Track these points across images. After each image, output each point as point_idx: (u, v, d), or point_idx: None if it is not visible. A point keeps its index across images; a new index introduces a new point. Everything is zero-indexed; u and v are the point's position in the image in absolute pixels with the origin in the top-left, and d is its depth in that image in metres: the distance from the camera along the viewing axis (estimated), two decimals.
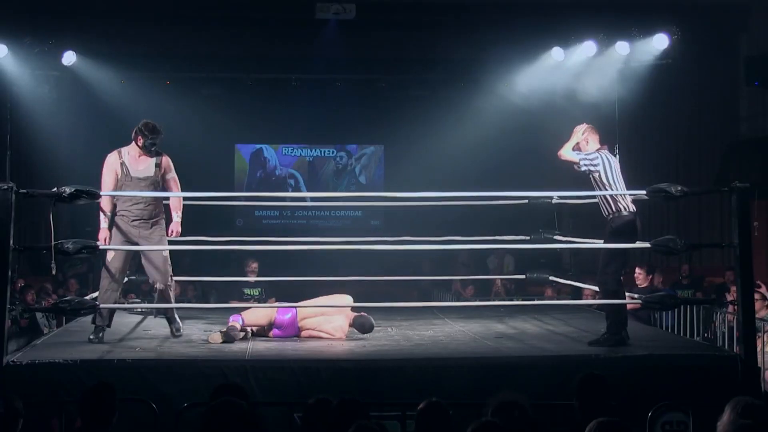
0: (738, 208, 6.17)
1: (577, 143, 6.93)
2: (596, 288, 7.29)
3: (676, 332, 8.68)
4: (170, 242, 7.80)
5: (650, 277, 9.64)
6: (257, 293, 9.81)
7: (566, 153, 6.79)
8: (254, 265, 9.83)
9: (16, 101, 10.75)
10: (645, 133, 13.36)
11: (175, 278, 10.08)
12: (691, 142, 13.52)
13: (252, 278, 9.64)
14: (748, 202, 6.19)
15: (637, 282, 9.28)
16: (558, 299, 10.12)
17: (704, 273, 12.37)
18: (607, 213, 6.77)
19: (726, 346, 7.49)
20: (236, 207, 14.20)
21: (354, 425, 3.46)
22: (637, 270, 9.34)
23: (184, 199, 8.06)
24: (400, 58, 12.50)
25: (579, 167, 6.75)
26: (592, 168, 6.70)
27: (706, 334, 8.78)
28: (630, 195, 6.79)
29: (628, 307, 8.05)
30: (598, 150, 6.84)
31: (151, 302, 7.75)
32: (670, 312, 8.81)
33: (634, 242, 6.76)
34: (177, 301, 9.92)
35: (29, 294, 9.60)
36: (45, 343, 6.71)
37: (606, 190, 6.71)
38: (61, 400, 5.32)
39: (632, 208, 6.74)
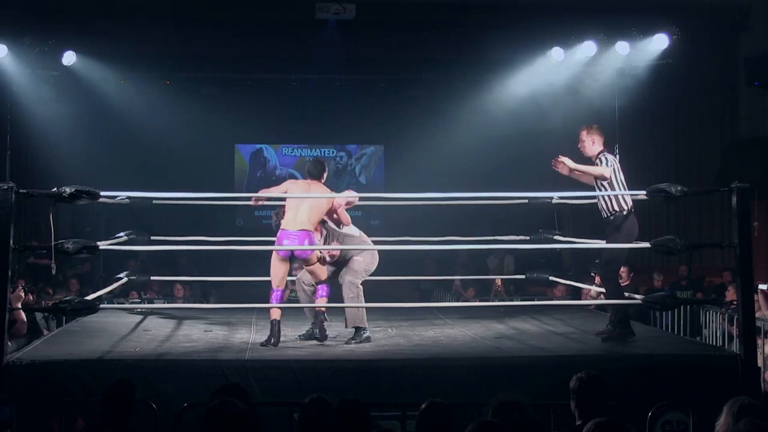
0: (738, 208, 6.17)
1: (582, 143, 6.95)
2: (596, 288, 7.32)
3: (676, 333, 8.69)
4: (171, 242, 7.82)
5: (631, 275, 9.72)
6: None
7: (605, 171, 6.77)
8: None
9: (16, 101, 10.74)
10: (645, 133, 13.34)
11: (175, 278, 10.11)
12: (691, 142, 13.50)
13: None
14: (748, 202, 6.19)
15: (620, 280, 9.32)
16: (559, 299, 10.12)
17: (704, 273, 12.36)
18: (609, 213, 6.80)
19: (726, 347, 7.50)
20: (236, 207, 14.19)
21: None
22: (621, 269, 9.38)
23: (185, 199, 8.09)
24: (400, 58, 12.48)
25: (607, 178, 6.77)
26: (612, 174, 6.75)
27: (705, 335, 8.78)
28: (630, 195, 6.82)
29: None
30: (602, 152, 6.86)
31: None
32: (670, 312, 8.83)
33: (632, 241, 6.82)
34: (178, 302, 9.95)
35: (29, 294, 9.58)
36: (45, 343, 6.72)
37: (608, 190, 6.74)
38: (61, 400, 5.33)
39: (631, 206, 6.79)
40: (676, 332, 8.69)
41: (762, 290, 8.19)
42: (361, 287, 7.04)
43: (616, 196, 6.75)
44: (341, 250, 7.07)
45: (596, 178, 6.82)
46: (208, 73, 12.44)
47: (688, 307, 8.85)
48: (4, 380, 5.55)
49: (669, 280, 11.53)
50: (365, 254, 7.14)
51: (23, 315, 6.13)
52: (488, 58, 11.93)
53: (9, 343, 6.35)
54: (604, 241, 7.06)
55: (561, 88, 11.74)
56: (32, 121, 11.27)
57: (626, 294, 7.59)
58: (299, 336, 6.98)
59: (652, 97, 12.13)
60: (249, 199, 7.38)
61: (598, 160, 6.84)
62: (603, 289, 7.59)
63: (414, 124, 13.85)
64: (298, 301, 7.40)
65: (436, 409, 3.82)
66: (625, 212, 6.78)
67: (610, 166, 6.76)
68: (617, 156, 7.78)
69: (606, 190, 6.78)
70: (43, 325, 9.29)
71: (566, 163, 6.93)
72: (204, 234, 8.32)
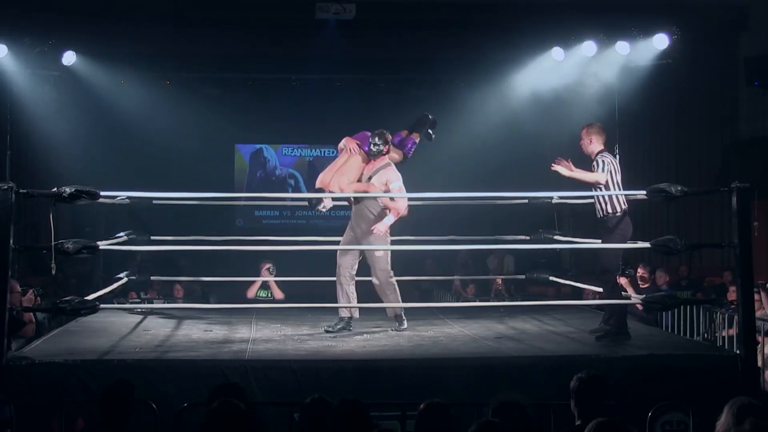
0: (738, 208, 6.18)
1: (582, 140, 6.96)
2: (596, 288, 7.32)
3: (676, 333, 8.69)
4: (171, 242, 7.82)
5: (653, 277, 9.69)
6: (265, 294, 9.84)
7: (600, 178, 6.76)
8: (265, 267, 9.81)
9: (16, 101, 10.73)
10: (645, 133, 13.35)
11: (175, 278, 10.10)
12: (691, 142, 13.51)
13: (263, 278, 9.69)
14: (748, 202, 6.19)
15: (641, 282, 9.32)
16: (558, 299, 10.12)
17: (704, 273, 12.36)
18: (603, 213, 6.81)
19: (726, 347, 7.50)
20: (236, 207, 14.20)
21: None
22: (641, 270, 9.37)
23: (185, 199, 8.08)
24: (400, 58, 12.48)
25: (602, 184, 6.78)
26: (609, 177, 6.75)
27: (706, 335, 8.78)
28: (628, 195, 6.83)
29: (639, 307, 8.09)
30: (601, 153, 6.86)
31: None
32: (670, 312, 8.83)
33: (626, 241, 6.82)
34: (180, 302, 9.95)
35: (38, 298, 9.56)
36: (45, 343, 6.71)
37: (603, 190, 6.75)
38: (61, 400, 5.32)
39: (626, 207, 6.80)
40: (676, 332, 8.69)
41: (766, 289, 8.20)
42: (396, 284, 7.45)
43: (610, 197, 6.75)
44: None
45: (592, 184, 6.82)
46: (208, 73, 12.44)
47: (689, 307, 8.85)
48: (4, 380, 5.55)
49: (669, 281, 11.52)
50: (379, 240, 7.37)
51: (33, 317, 6.13)
52: (488, 58, 11.92)
53: (12, 348, 6.36)
54: (600, 241, 7.07)
55: (561, 88, 11.73)
56: (32, 121, 11.27)
57: (640, 296, 7.59)
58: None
59: (652, 97, 12.13)
60: (249, 199, 7.46)
61: (595, 162, 6.84)
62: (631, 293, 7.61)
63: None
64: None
65: (435, 409, 3.82)
66: (619, 213, 6.78)
67: (606, 171, 6.75)
68: (617, 156, 7.79)
69: (602, 190, 6.78)
70: (44, 328, 9.30)
71: (561, 172, 6.94)
72: (204, 234, 8.31)
